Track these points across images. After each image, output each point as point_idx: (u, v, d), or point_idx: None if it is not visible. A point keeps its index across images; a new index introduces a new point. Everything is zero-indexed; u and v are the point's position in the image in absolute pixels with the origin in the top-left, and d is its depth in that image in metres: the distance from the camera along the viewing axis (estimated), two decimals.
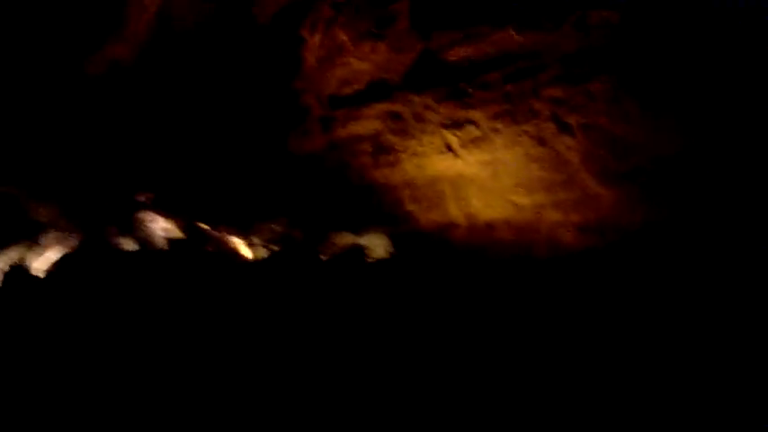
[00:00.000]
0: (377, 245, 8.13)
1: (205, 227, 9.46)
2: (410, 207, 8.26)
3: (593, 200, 6.83)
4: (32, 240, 9.03)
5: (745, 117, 5.86)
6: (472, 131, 7.25)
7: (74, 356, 6.15)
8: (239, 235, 9.15)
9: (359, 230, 8.38)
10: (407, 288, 7.17)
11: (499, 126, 7.06)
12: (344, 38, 7.80)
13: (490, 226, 7.67)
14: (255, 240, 8.97)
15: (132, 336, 6.47)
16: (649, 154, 6.52)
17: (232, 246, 9.13)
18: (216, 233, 9.38)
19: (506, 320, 6.60)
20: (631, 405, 5.01)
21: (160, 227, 9.55)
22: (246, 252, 8.96)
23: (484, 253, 7.57)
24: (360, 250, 8.21)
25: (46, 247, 8.99)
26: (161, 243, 9.23)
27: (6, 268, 8.29)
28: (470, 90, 7.05)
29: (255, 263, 8.58)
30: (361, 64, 7.81)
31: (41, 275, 8.16)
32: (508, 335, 6.37)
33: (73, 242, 8.94)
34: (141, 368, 5.91)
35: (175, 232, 9.43)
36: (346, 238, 8.38)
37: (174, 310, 6.90)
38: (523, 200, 7.50)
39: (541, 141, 6.86)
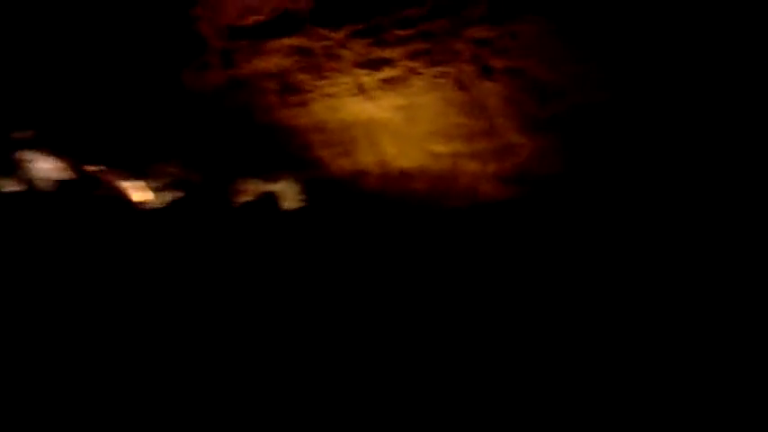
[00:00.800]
0: (288, 192, 7.55)
1: (94, 168, 8.63)
2: (321, 152, 7.67)
3: (512, 149, 6.47)
4: None
5: (675, 71, 5.58)
6: (387, 72, 6.65)
7: None
8: (131, 178, 8.36)
9: (267, 176, 7.75)
10: (322, 239, 6.72)
11: (417, 66, 6.50)
12: None
13: (405, 174, 7.22)
14: (151, 184, 8.20)
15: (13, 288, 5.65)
16: (572, 101, 6.18)
17: (124, 189, 8.34)
18: (106, 175, 8.55)
19: (419, 270, 6.33)
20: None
21: (44, 167, 8.66)
22: (140, 197, 8.20)
23: (398, 202, 7.15)
24: (272, 197, 7.61)
25: None
26: (45, 185, 8.37)
27: None
28: (387, 26, 6.42)
29: (155, 209, 7.86)
30: None
31: None
32: (420, 286, 6.13)
33: None
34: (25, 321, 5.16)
35: (61, 174, 8.57)
36: (255, 185, 7.74)
37: (63, 260, 6.17)
38: (440, 148, 7.06)
39: (461, 85, 6.37)
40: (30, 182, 8.37)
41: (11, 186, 8.12)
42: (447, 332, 5.23)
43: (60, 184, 8.28)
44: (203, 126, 8.11)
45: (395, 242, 6.69)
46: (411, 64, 6.52)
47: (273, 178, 7.72)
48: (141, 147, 8.51)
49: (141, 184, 8.31)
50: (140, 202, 8.26)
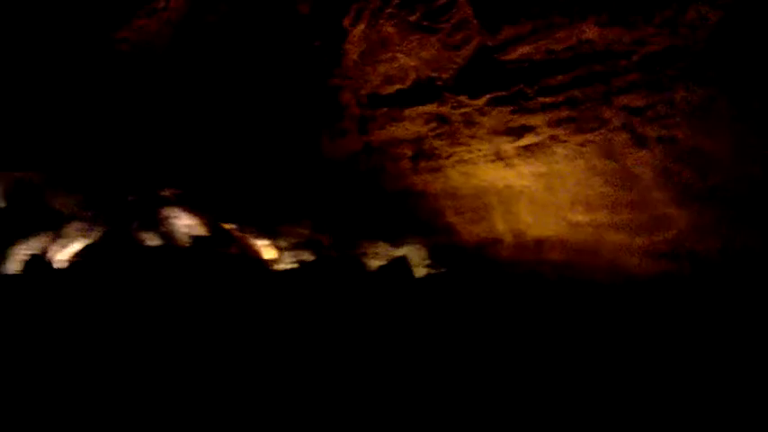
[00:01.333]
0: (414, 257, 7.44)
1: (230, 226, 8.97)
2: (451, 218, 7.55)
3: (665, 221, 6.03)
4: (55, 231, 8.75)
5: None
6: (529, 138, 6.49)
7: (88, 350, 5.67)
8: (264, 237, 8.59)
9: (395, 240, 7.70)
10: (451, 307, 6.48)
11: (560, 134, 6.29)
12: (391, 30, 7.09)
13: (540, 244, 6.91)
14: (282, 243, 8.37)
15: (148, 334, 5.99)
16: (733, 173, 5.71)
17: (255, 247, 8.58)
18: (240, 233, 8.86)
19: (556, 346, 5.92)
20: None
21: (184, 224, 9.12)
22: (270, 255, 8.39)
23: (532, 273, 6.82)
24: (404, 262, 7.51)
25: (68, 238, 8.72)
26: (184, 240, 8.79)
27: (28, 258, 7.96)
28: (530, 93, 6.29)
29: (287, 270, 7.98)
30: (407, 60, 7.10)
31: (63, 266, 7.73)
32: (556, 359, 5.72)
33: (96, 234, 8.69)
34: (153, 367, 5.43)
35: (199, 230, 8.98)
36: (382, 248, 7.72)
37: (194, 311, 6.38)
38: (581, 218, 6.73)
39: (609, 154, 6.08)
40: (170, 236, 8.80)
41: (153, 240, 8.58)
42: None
43: (196, 240, 8.65)
44: (336, 190, 8.26)
45: (527, 315, 6.34)
46: (554, 131, 6.32)
47: (400, 243, 7.65)
48: (274, 207, 8.77)
49: (271, 242, 8.51)
50: (270, 261, 8.44)
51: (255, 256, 8.51)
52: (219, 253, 8.31)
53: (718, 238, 5.82)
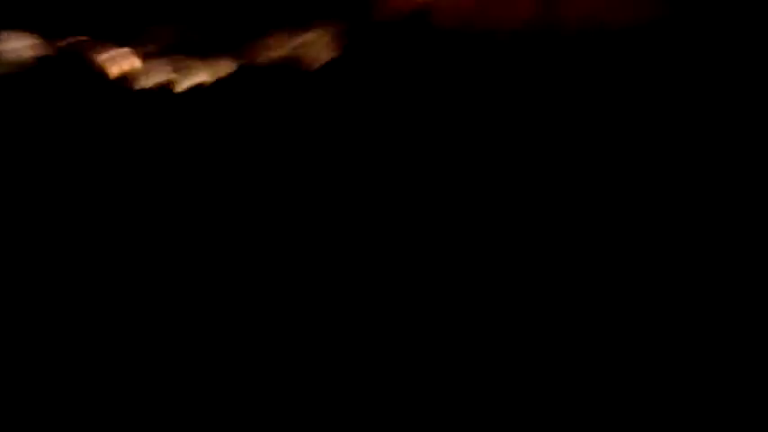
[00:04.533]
0: (318, 46, 5.27)
1: (76, 39, 6.67)
2: None
3: None
4: None
5: None
6: None
7: None
8: (119, 45, 6.28)
9: (298, 27, 5.46)
10: (355, 103, 4.51)
11: None
12: None
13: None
14: (149, 48, 6.10)
15: None
16: None
17: (105, 61, 6.30)
18: (88, 46, 6.54)
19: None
20: None
21: (12, 47, 6.88)
22: (122, 68, 6.15)
23: (481, 42, 4.69)
24: (294, 57, 5.34)
25: None
26: (16, 66, 6.63)
27: None
28: None
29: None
30: None
31: None
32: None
33: None
34: None
35: (35, 51, 6.77)
36: (279, 41, 5.48)
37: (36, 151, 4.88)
38: None
39: None
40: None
41: None
42: None
43: (34, 62, 6.57)
44: None
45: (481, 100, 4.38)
46: None
47: (302, 31, 5.42)
48: (129, 8, 6.39)
49: (131, 50, 6.21)
50: (125, 76, 6.17)
51: (105, 72, 6.23)
52: (61, 71, 6.22)
53: None
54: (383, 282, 3.65)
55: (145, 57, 6.15)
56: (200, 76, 5.75)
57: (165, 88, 5.80)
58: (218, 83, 5.19)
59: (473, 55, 4.70)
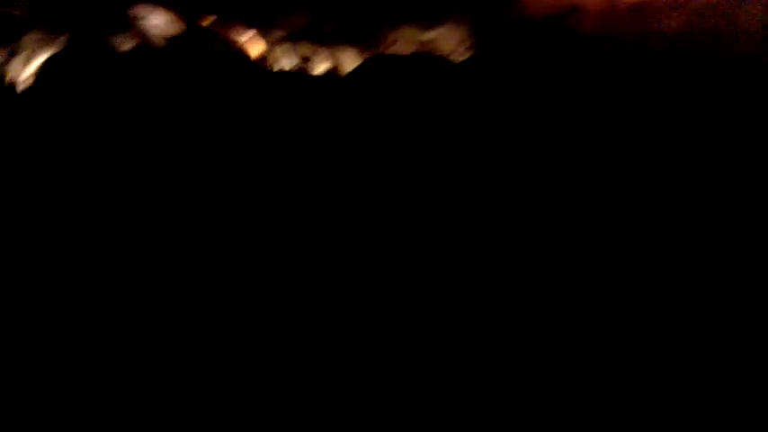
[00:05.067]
0: (450, 41, 5.15)
1: (209, 20, 6.89)
2: None
3: None
4: (10, 44, 7.13)
5: None
6: None
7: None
8: (254, 28, 6.44)
9: (430, 22, 5.36)
10: (488, 105, 4.35)
11: None
12: None
13: (645, 7, 4.43)
14: (276, 34, 6.20)
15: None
16: None
17: (240, 44, 6.48)
18: (222, 27, 6.75)
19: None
20: None
21: (154, 23, 7.21)
22: (258, 49, 6.29)
23: (634, 51, 4.42)
24: (423, 54, 5.23)
25: (29, 50, 7.12)
26: (158, 42, 6.95)
27: None
28: None
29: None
30: None
31: (28, 85, 6.51)
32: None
33: (60, 43, 7.12)
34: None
35: (175, 28, 7.05)
36: (406, 34, 5.41)
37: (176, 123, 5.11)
38: None
39: None
40: (143, 38, 7.01)
41: (126, 44, 6.81)
42: None
43: (171, 40, 6.86)
44: None
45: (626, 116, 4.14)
46: None
47: (436, 25, 5.31)
48: None
49: (256, 33, 6.33)
50: (259, 57, 6.33)
51: (240, 52, 6.41)
52: (197, 51, 6.45)
53: None
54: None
55: (274, 42, 6.25)
56: (329, 64, 5.75)
57: (300, 73, 5.80)
58: (353, 73, 5.13)
59: (619, 63, 4.45)
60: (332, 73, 5.57)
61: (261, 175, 4.40)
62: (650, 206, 3.84)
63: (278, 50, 6.14)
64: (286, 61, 6.14)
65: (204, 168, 4.59)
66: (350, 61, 5.46)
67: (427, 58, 5.11)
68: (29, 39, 7.07)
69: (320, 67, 5.67)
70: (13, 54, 6.97)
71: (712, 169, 3.95)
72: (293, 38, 6.01)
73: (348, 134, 4.70)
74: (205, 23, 6.75)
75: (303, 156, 4.55)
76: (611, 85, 4.33)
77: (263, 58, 6.17)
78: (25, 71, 6.87)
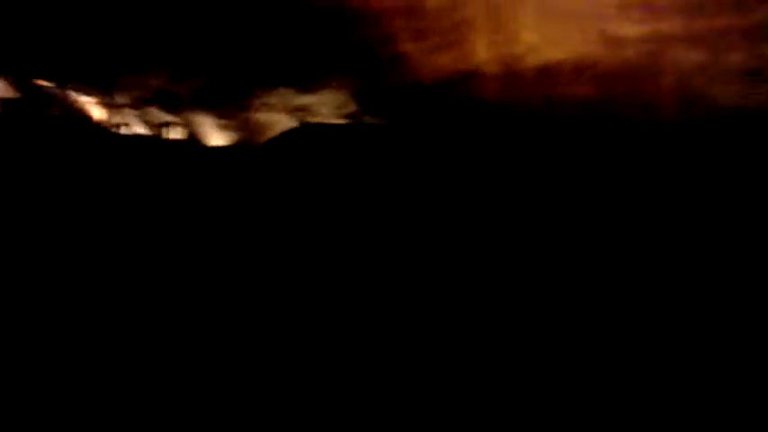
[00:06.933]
0: (328, 106, 4.29)
1: (49, 84, 5.90)
2: (405, 46, 4.34)
3: None
4: None
5: None
6: None
7: None
8: (96, 93, 5.43)
9: (307, 84, 4.53)
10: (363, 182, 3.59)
11: None
12: None
13: (548, 74, 3.82)
14: (119, 99, 5.19)
15: None
16: None
17: (84, 107, 5.43)
18: (63, 91, 5.72)
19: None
20: None
21: None
22: (101, 115, 5.24)
23: (541, 119, 3.72)
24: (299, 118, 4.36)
25: None
26: None
27: None
28: None
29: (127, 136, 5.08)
30: None
31: None
32: None
33: None
34: None
35: (8, 92, 6.12)
36: (282, 97, 4.52)
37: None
38: (628, 30, 3.73)
39: None
40: None
41: None
42: None
43: (5, 103, 5.93)
44: (218, 18, 5.06)
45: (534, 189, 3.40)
46: None
47: (312, 87, 4.49)
48: (112, 52, 5.58)
49: (100, 99, 5.36)
50: (103, 122, 5.29)
51: (84, 116, 5.38)
52: (32, 116, 5.55)
53: None
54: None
55: (113, 107, 5.31)
56: (178, 132, 4.84)
57: (145, 137, 4.98)
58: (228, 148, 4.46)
59: (522, 128, 3.76)
60: (189, 139, 4.62)
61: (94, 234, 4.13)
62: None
63: (124, 114, 5.12)
64: (137, 126, 5.14)
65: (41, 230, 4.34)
66: (206, 127, 4.52)
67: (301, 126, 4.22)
68: None
69: (173, 133, 4.68)
70: None
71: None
72: (142, 102, 5.01)
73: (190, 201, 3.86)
74: (44, 86, 5.76)
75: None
76: (510, 151, 3.62)
77: (107, 121, 5.12)
78: None
